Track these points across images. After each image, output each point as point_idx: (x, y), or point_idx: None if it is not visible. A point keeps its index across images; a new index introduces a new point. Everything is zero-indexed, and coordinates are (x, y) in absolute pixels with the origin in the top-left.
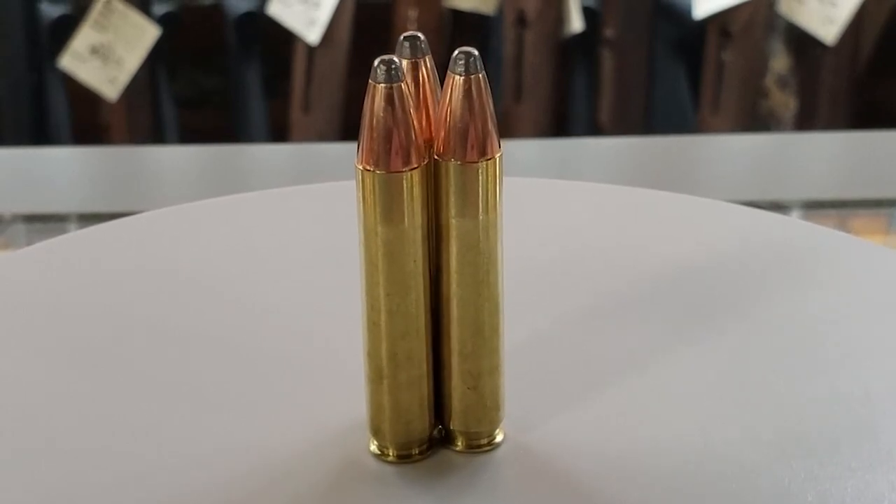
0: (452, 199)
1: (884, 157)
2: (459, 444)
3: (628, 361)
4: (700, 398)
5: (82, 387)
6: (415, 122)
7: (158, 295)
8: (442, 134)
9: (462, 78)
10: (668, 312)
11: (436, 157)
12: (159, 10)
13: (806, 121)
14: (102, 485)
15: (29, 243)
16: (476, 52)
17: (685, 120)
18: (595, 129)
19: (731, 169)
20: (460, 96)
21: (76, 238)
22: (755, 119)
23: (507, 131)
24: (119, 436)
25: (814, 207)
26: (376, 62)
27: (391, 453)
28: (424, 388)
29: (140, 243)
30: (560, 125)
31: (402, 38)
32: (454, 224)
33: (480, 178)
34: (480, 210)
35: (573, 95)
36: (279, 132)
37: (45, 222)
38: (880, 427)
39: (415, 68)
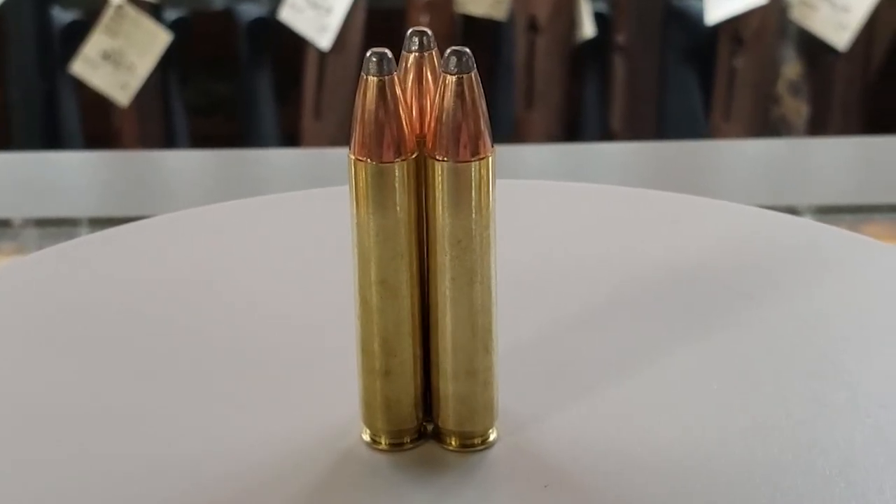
0: (445, 198)
1: None
2: (452, 442)
3: (631, 361)
4: (700, 396)
5: (90, 385)
6: (405, 115)
7: (168, 297)
8: (434, 133)
9: (454, 77)
10: (673, 312)
11: (427, 156)
12: (171, 15)
13: (818, 126)
14: (106, 478)
15: (41, 248)
16: (468, 51)
17: (697, 125)
18: (607, 135)
19: (743, 175)
20: (452, 95)
21: (87, 242)
22: (767, 125)
23: (518, 137)
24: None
25: (826, 212)
26: (368, 54)
27: (383, 441)
28: (414, 377)
29: (151, 247)
30: (572, 131)
31: (409, 32)
32: (447, 223)
33: (473, 177)
34: (473, 210)
35: (585, 101)
36: (290, 138)
37: (57, 226)
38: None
39: (420, 62)
